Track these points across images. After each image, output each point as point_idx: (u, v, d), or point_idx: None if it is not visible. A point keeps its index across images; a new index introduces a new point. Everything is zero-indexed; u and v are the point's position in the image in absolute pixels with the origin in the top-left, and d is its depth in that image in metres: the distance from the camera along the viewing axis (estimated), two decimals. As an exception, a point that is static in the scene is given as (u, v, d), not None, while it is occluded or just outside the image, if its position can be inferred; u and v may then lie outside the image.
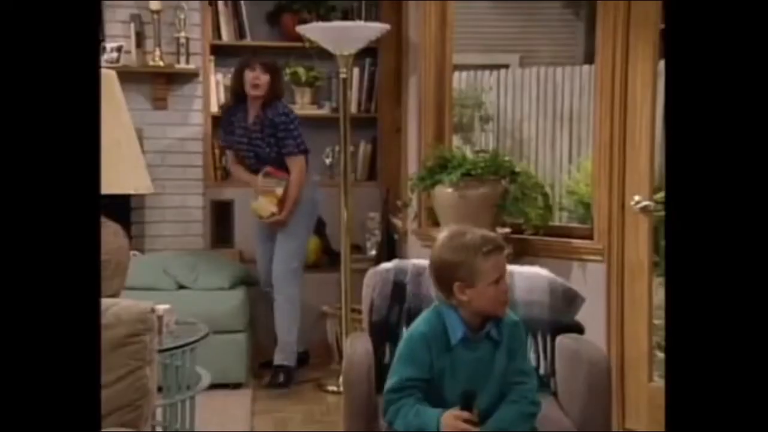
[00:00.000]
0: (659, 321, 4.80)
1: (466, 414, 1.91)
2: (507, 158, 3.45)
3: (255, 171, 3.92)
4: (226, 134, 4.00)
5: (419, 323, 2.08)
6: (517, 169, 3.37)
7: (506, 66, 8.84)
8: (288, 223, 3.87)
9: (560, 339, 2.40)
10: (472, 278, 1.95)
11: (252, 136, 3.87)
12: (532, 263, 2.93)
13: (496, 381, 2.03)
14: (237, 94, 3.90)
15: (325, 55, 3.75)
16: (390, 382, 2.04)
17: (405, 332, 2.45)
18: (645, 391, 3.08)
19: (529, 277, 2.53)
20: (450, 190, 3.28)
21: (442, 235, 2.05)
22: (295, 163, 3.84)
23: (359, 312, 2.75)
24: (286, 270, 3.88)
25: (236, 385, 3.74)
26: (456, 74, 7.17)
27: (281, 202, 3.82)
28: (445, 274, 1.99)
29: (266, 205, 3.84)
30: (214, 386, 3.29)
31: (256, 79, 3.80)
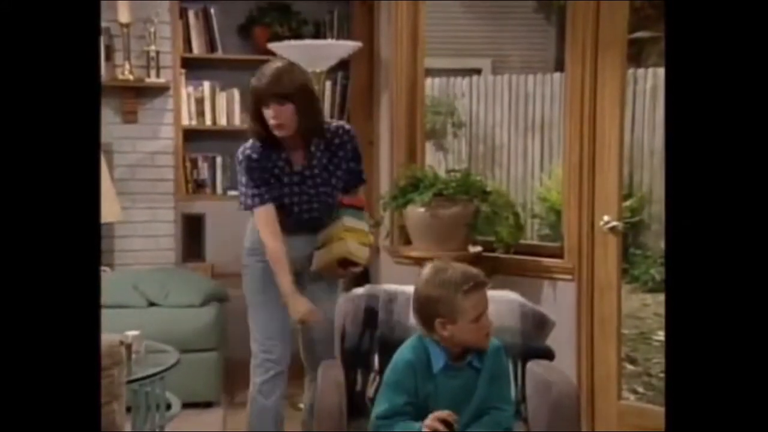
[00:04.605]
0: (627, 331, 4.89)
1: (445, 413, 1.98)
2: (478, 177, 3.47)
3: (312, 227, 2.80)
4: (267, 187, 2.72)
5: (404, 351, 2.13)
6: (489, 189, 3.40)
7: (478, 70, 8.88)
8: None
9: (530, 365, 2.42)
10: (453, 315, 2.00)
11: (308, 183, 2.74)
12: (503, 282, 2.96)
13: (476, 406, 2.08)
14: (263, 139, 2.69)
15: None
16: (379, 409, 2.09)
17: (376, 359, 2.47)
18: (615, 409, 3.12)
19: (500, 302, 2.54)
20: (422, 209, 3.29)
21: (425, 270, 2.09)
22: (362, 194, 2.88)
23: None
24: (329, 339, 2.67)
25: (207, 404, 3.71)
26: (428, 80, 7.20)
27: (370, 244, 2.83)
28: (427, 309, 2.04)
29: (358, 249, 2.78)
30: (185, 405, 3.28)
31: (276, 117, 2.61)
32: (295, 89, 2.60)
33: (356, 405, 2.35)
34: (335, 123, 2.83)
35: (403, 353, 2.12)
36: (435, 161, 7.42)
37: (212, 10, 4.37)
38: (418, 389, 2.05)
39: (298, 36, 4.19)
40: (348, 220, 2.76)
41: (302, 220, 2.77)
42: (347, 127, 2.82)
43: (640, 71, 7.05)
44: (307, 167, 2.73)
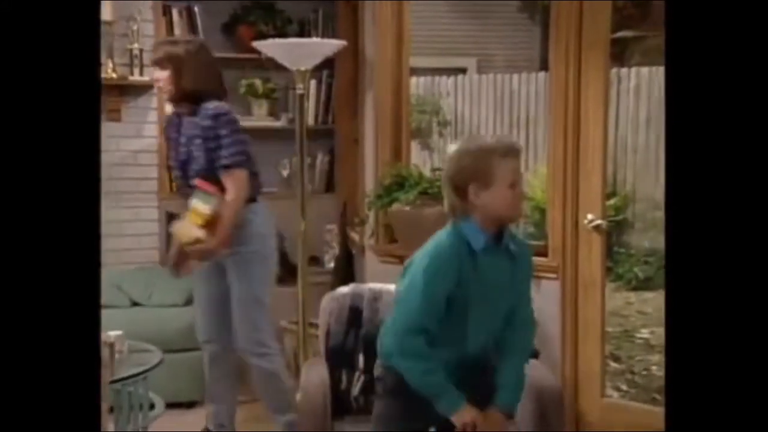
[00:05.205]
0: (611, 329, 4.92)
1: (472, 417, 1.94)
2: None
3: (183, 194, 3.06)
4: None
5: (439, 240, 2.02)
6: (473, 187, 3.40)
7: (464, 70, 8.90)
8: (240, 252, 3.00)
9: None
10: (489, 180, 1.93)
11: (179, 149, 3.06)
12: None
13: (514, 293, 2.07)
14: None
15: (281, 66, 3.73)
16: (403, 320, 1.97)
17: (361, 358, 2.46)
18: (598, 407, 3.13)
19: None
20: (407, 208, 3.30)
21: (456, 146, 2.03)
22: (231, 179, 2.94)
23: (318, 327, 2.73)
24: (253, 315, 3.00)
25: (191, 404, 3.70)
26: (413, 79, 7.19)
27: (209, 225, 2.86)
28: (462, 177, 1.96)
29: (188, 228, 2.88)
30: (169, 405, 3.27)
31: (156, 81, 3.09)
32: (169, 57, 2.97)
33: (341, 404, 2.35)
34: (214, 104, 2.98)
35: (438, 242, 2.00)
36: (420, 160, 7.42)
37: (196, 9, 4.34)
38: (461, 273, 1.95)
39: (282, 35, 4.18)
40: (194, 202, 2.89)
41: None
42: (222, 111, 2.97)
43: (624, 71, 7.09)
44: (179, 135, 3.06)
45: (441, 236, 2.03)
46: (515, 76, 7.74)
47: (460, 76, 8.22)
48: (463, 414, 1.94)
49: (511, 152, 1.97)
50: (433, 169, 3.57)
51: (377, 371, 2.09)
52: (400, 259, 3.43)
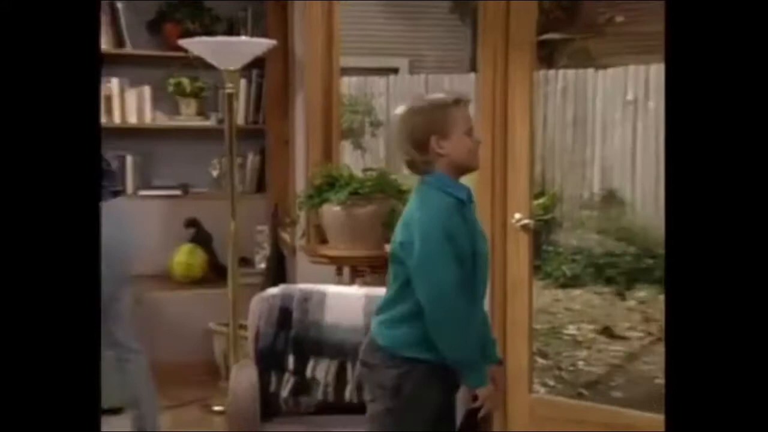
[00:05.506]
0: (539, 326, 5.02)
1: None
2: (394, 176, 3.48)
3: None
4: None
5: (430, 203, 1.94)
6: (405, 188, 3.41)
7: (396, 70, 8.95)
8: None
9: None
10: (447, 129, 1.94)
11: None
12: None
13: (485, 239, 2.08)
14: None
15: (210, 65, 3.67)
16: (437, 291, 1.87)
17: (291, 360, 2.43)
18: (526, 403, 3.19)
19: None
20: (338, 208, 3.29)
21: (405, 105, 2.02)
22: None
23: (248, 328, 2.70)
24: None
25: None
26: (346, 79, 7.19)
27: None
28: (420, 131, 1.96)
29: None
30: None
31: None
32: None
33: (270, 406, 2.34)
34: None
35: (430, 203, 1.93)
36: (353, 160, 7.44)
37: (119, 5, 4.23)
38: (468, 225, 1.93)
39: (210, 33, 4.11)
40: None
41: None
42: None
43: (551, 72, 7.24)
44: None
45: (426, 198, 1.97)
46: (446, 77, 7.83)
47: (392, 77, 8.27)
48: (488, 387, 1.94)
49: (461, 101, 2.00)
50: (365, 169, 3.57)
51: (364, 373, 2.02)
52: (332, 259, 3.42)
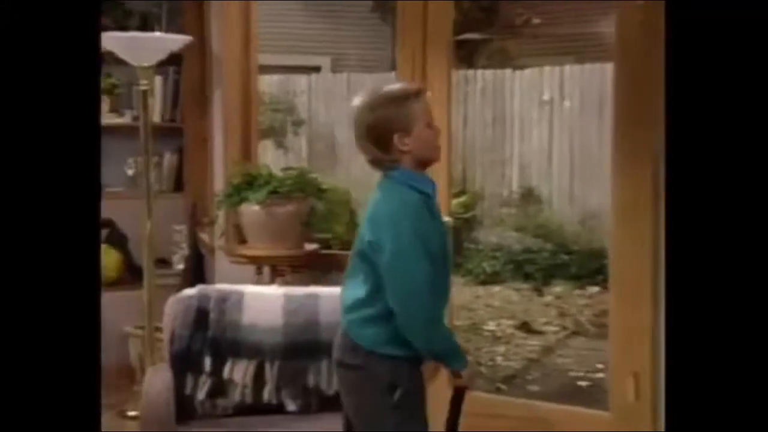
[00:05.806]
0: (460, 322, 5.09)
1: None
2: (314, 175, 3.47)
3: None
4: None
5: (399, 200, 1.91)
6: (325, 186, 3.41)
7: (318, 68, 8.91)
8: None
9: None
10: (410, 125, 1.90)
11: None
12: (339, 279, 2.97)
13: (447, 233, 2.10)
14: None
15: (124, 61, 3.57)
16: (411, 288, 1.85)
17: (207, 361, 2.39)
18: (446, 396, 3.22)
19: (335, 298, 2.56)
20: (257, 207, 3.25)
21: (362, 99, 1.96)
22: None
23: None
24: None
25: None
26: (267, 77, 7.12)
27: None
28: (382, 128, 1.91)
29: None
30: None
31: None
32: None
33: (186, 409, 2.29)
34: None
35: (398, 200, 1.90)
36: (275, 159, 7.37)
37: (28, -3, 4.08)
38: (435, 221, 1.93)
39: (122, 28, 4.00)
40: None
41: None
42: None
43: (471, 72, 7.36)
44: None
45: (392, 194, 1.93)
46: (368, 76, 7.85)
47: (314, 75, 8.23)
48: (470, 365, 2.02)
49: (420, 91, 1.98)
50: (284, 168, 3.55)
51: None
52: (251, 259, 3.38)
